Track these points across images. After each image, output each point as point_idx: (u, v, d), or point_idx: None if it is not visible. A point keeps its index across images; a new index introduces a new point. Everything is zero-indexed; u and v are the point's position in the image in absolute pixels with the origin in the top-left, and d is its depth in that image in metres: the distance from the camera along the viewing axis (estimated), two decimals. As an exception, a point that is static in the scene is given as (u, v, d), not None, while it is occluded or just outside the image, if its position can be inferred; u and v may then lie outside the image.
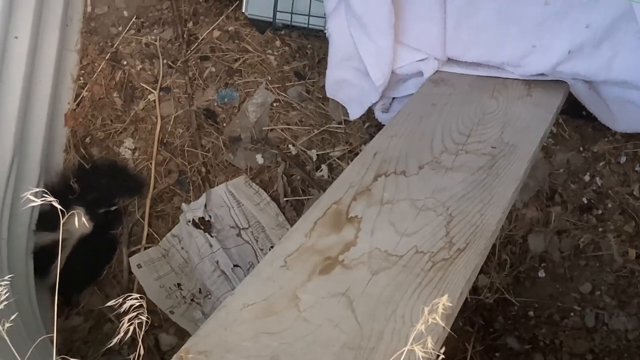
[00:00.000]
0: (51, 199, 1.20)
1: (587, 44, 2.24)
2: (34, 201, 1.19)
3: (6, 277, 1.25)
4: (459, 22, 2.41)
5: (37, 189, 1.17)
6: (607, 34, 2.21)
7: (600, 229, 2.77)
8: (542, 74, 2.35)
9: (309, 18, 2.74)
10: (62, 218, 1.22)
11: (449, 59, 2.50)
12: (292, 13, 2.76)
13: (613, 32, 2.20)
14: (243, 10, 2.84)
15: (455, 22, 2.41)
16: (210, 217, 2.95)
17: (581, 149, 2.81)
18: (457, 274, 1.53)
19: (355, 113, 2.66)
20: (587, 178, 2.80)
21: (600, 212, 2.78)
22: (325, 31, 2.60)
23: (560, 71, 2.31)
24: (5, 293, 1.21)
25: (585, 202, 2.79)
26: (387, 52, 2.38)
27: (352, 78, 2.58)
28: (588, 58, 2.26)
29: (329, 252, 1.59)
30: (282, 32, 3.04)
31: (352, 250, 1.60)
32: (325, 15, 2.61)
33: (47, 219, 2.84)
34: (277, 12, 2.76)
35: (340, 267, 1.55)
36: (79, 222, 2.36)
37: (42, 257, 2.83)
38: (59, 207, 1.18)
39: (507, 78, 2.39)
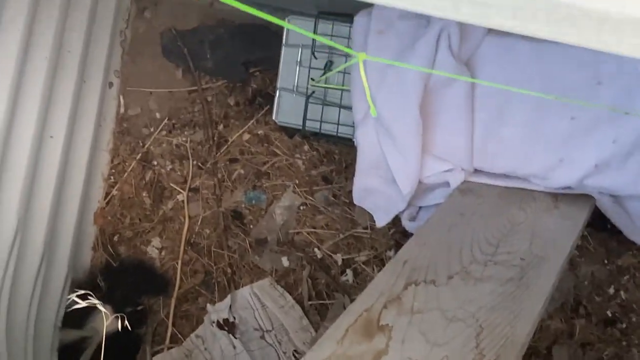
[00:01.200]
0: (96, 301, 1.22)
1: (614, 159, 2.26)
2: (79, 303, 1.21)
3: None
4: (486, 135, 2.44)
5: (82, 292, 1.19)
6: (634, 148, 2.24)
7: (624, 343, 2.76)
8: (568, 187, 2.37)
9: (338, 127, 2.78)
10: (105, 319, 1.24)
11: (475, 169, 2.53)
12: (321, 121, 2.80)
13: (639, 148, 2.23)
14: (273, 118, 2.88)
15: (482, 135, 2.44)
16: (234, 318, 2.96)
17: (606, 261, 2.82)
18: (488, 387, 1.54)
19: (381, 221, 2.68)
20: (611, 291, 2.80)
21: (624, 325, 2.77)
22: (354, 140, 2.64)
23: (586, 185, 2.33)
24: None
25: (610, 315, 2.78)
26: (415, 162, 2.41)
27: (379, 186, 2.61)
28: (615, 172, 2.27)
29: (361, 361, 1.60)
30: (311, 138, 3.08)
31: (383, 359, 1.60)
32: (354, 124, 2.65)
33: (73, 316, 2.85)
34: (307, 120, 2.80)
35: (372, 376, 1.56)
36: (107, 320, 2.38)
37: (67, 355, 2.84)
38: (103, 309, 1.20)
39: (534, 190, 2.42)
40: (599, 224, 2.76)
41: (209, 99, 3.25)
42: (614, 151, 2.25)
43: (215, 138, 3.19)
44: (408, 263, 1.96)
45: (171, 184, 3.21)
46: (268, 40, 3.09)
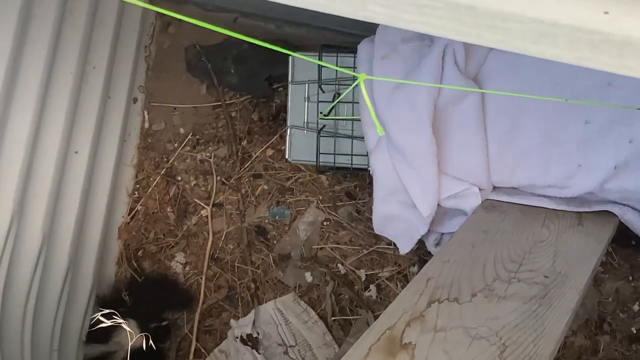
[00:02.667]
0: (120, 320, 1.23)
1: (633, 159, 2.24)
2: (104, 322, 1.22)
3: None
4: (501, 148, 2.42)
5: (107, 310, 1.20)
6: None
7: (649, 360, 2.75)
8: (590, 192, 2.35)
9: (352, 158, 2.77)
10: (130, 338, 1.25)
11: (495, 187, 2.52)
12: (335, 154, 2.79)
13: None
14: (287, 157, 2.87)
15: (497, 148, 2.42)
16: (258, 333, 2.96)
17: (630, 278, 2.80)
18: (512, 406, 1.53)
19: (405, 247, 2.66)
20: (636, 308, 2.78)
21: (649, 342, 2.76)
22: (369, 169, 2.63)
23: (608, 189, 2.31)
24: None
25: (635, 332, 2.77)
26: (432, 182, 2.39)
27: (399, 212, 2.59)
28: (635, 172, 2.25)
29: (384, 379, 1.60)
30: (327, 173, 3.09)
31: (406, 378, 1.60)
32: (367, 153, 2.65)
33: (97, 331, 2.86)
34: (320, 155, 2.79)
35: (395, 394, 1.56)
36: (135, 339, 2.39)
37: (91, 370, 2.86)
38: (128, 329, 1.21)
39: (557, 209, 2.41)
40: (624, 240, 2.75)
41: (233, 114, 3.27)
42: (632, 151, 2.23)
43: (239, 153, 3.20)
44: (431, 280, 1.95)
45: (195, 200, 3.22)
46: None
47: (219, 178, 3.23)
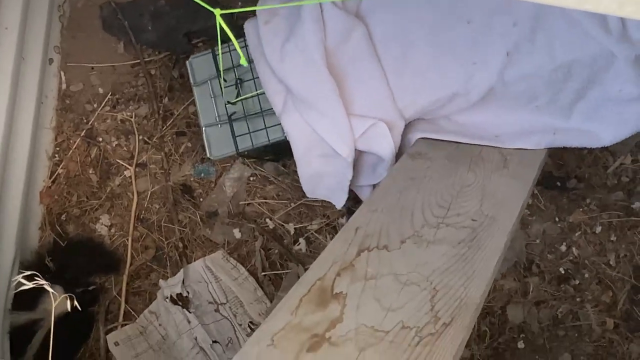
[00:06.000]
0: (43, 282, 1.19)
1: (522, 40, 2.26)
2: (25, 284, 1.18)
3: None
4: (398, 72, 2.41)
5: (28, 272, 1.16)
6: (536, 24, 2.24)
7: (578, 299, 2.78)
8: (492, 89, 2.36)
9: (267, 132, 2.74)
10: (54, 300, 1.21)
11: (408, 124, 2.51)
12: (250, 133, 2.75)
13: (541, 21, 2.23)
14: (208, 156, 2.82)
15: (395, 74, 2.41)
16: (188, 293, 2.94)
17: (557, 219, 2.83)
18: (444, 349, 1.53)
19: (340, 201, 2.64)
20: (563, 248, 2.81)
21: (577, 282, 2.79)
22: (285, 135, 2.61)
23: (510, 81, 2.32)
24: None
25: (563, 272, 2.80)
26: (343, 120, 2.38)
27: (323, 166, 2.57)
28: (528, 54, 2.27)
29: (316, 330, 1.58)
30: (249, 158, 3.07)
31: (338, 327, 1.59)
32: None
33: (22, 299, 2.81)
34: (237, 139, 2.75)
35: (327, 344, 1.54)
36: (57, 301, 2.35)
37: (18, 337, 2.80)
38: (51, 290, 1.17)
39: (483, 146, 2.41)
40: (549, 182, 2.78)
41: (153, 72, 3.21)
42: (519, 34, 2.25)
43: (160, 111, 3.15)
44: (360, 229, 1.94)
45: (118, 160, 3.17)
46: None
47: (141, 137, 3.17)
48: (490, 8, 2.30)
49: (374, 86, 2.42)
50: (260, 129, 2.69)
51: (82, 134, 3.18)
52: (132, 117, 3.18)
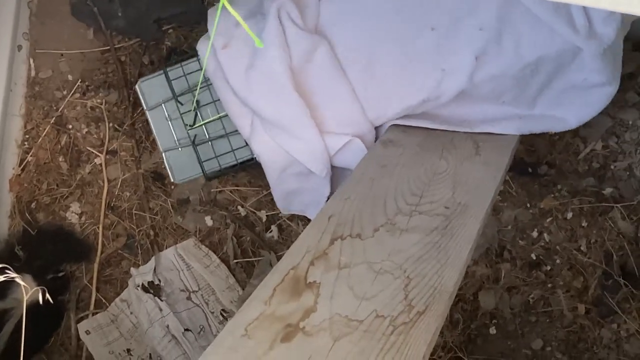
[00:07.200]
0: (14, 275, 1.18)
1: (489, 44, 2.26)
2: (-6, 278, 1.16)
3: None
4: (366, 84, 2.40)
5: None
6: (501, 26, 2.24)
7: (549, 285, 2.80)
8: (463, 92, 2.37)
9: (234, 153, 2.73)
10: (25, 292, 1.20)
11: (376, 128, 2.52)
12: (217, 157, 2.74)
13: (505, 22, 2.24)
14: (172, 181, 2.81)
15: (363, 86, 2.40)
16: (159, 280, 2.93)
17: (528, 205, 2.84)
18: (419, 338, 1.53)
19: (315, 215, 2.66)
20: (535, 234, 2.83)
21: (549, 268, 2.80)
22: (255, 156, 2.61)
23: (479, 83, 2.32)
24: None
25: (534, 258, 2.81)
26: (317, 141, 2.40)
27: (298, 185, 2.57)
28: (496, 56, 2.27)
29: (290, 319, 1.57)
30: (217, 179, 3.06)
31: (312, 317, 1.58)
32: (246, 143, 2.67)
33: (-7, 289, 2.79)
34: (204, 163, 2.75)
35: (301, 334, 1.54)
36: (27, 290, 2.34)
37: (-12, 328, 2.78)
38: (22, 283, 1.16)
39: (455, 134, 2.42)
40: (521, 168, 2.79)
41: (123, 58, 3.18)
42: (486, 37, 2.25)
43: (131, 98, 3.12)
44: (333, 218, 1.94)
45: (88, 148, 3.14)
46: None
47: (111, 124, 3.15)
48: (454, 14, 2.30)
49: (342, 103, 2.42)
50: (227, 152, 2.71)
51: (52, 121, 3.15)
52: (102, 104, 3.15)
